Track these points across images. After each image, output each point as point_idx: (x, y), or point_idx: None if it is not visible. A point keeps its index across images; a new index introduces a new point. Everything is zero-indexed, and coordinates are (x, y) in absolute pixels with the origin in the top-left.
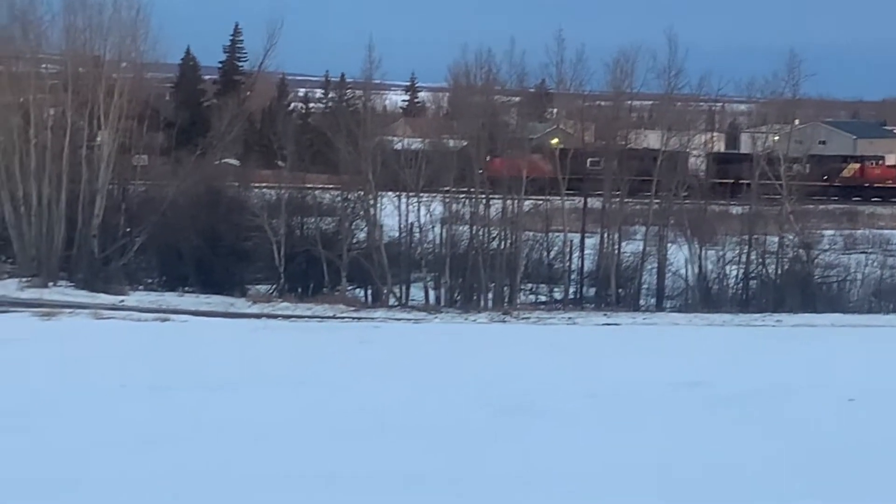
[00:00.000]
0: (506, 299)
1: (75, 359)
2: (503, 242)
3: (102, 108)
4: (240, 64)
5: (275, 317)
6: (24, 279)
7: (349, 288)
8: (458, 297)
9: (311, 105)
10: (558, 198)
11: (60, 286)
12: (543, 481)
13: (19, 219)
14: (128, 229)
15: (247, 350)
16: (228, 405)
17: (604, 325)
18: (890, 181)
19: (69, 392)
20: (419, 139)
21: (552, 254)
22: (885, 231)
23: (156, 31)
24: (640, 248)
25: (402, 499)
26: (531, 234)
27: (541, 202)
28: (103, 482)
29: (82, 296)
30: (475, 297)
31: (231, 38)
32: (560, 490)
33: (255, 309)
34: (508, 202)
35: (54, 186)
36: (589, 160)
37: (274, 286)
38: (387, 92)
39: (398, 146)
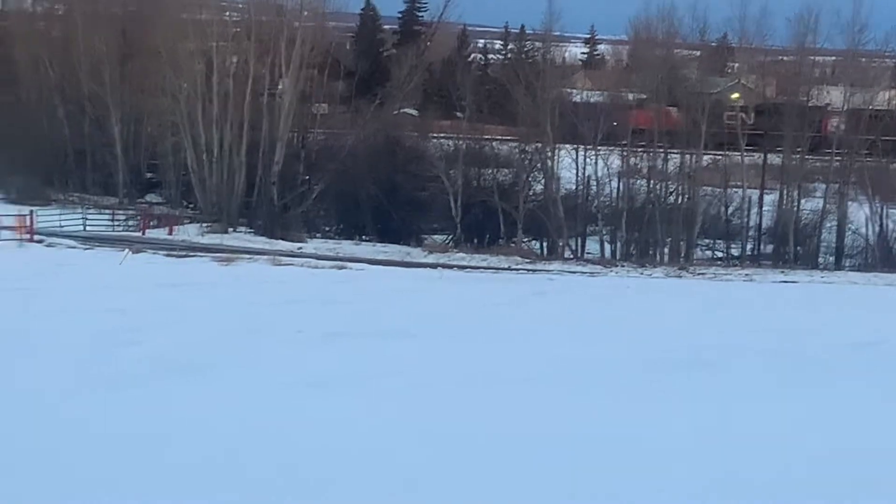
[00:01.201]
0: (682, 254)
1: (253, 304)
2: (681, 197)
3: (284, 57)
4: (420, 14)
5: (450, 267)
6: (205, 224)
7: (525, 240)
8: (634, 251)
9: (491, 56)
10: (737, 153)
11: (240, 232)
12: (711, 437)
13: (201, 165)
14: (307, 177)
15: (423, 299)
16: (403, 353)
17: (781, 282)
18: None
19: (246, 337)
20: (598, 92)
21: (730, 210)
22: None
23: None
24: (820, 205)
25: (572, 452)
26: (709, 189)
27: (720, 157)
28: (276, 427)
29: (261, 242)
30: (651, 252)
31: None
32: (728, 445)
33: (431, 259)
34: (687, 157)
35: (235, 134)
36: (769, 116)
37: (450, 236)
38: (566, 44)
39: (577, 99)
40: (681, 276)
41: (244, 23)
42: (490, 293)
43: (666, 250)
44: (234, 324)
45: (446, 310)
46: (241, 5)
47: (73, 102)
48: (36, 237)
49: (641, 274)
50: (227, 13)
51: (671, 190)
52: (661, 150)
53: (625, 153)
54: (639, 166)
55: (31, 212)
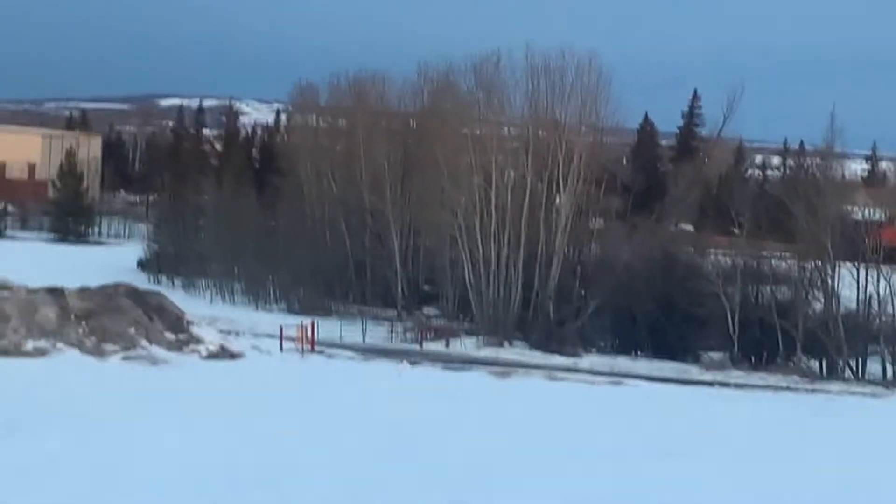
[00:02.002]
0: None
1: (528, 419)
2: None
3: (561, 172)
4: (697, 129)
5: (727, 385)
6: (481, 337)
7: (804, 359)
8: None
9: (769, 172)
10: None
11: (516, 346)
12: None
13: (478, 278)
14: (582, 292)
15: (699, 418)
16: (680, 473)
17: None
18: None
19: (521, 453)
20: (879, 209)
21: None
22: None
23: (616, 96)
24: None
25: None
26: None
27: None
28: None
29: (537, 356)
30: None
31: (689, 103)
32: None
33: (708, 376)
34: None
35: (513, 248)
36: None
37: (727, 354)
38: (847, 160)
39: (857, 216)
40: None
41: (522, 137)
42: (768, 414)
43: None
44: (511, 439)
45: (723, 430)
46: (519, 120)
47: (354, 215)
48: (317, 348)
49: None
50: (506, 128)
51: None
52: None
53: None
54: None
55: (313, 322)
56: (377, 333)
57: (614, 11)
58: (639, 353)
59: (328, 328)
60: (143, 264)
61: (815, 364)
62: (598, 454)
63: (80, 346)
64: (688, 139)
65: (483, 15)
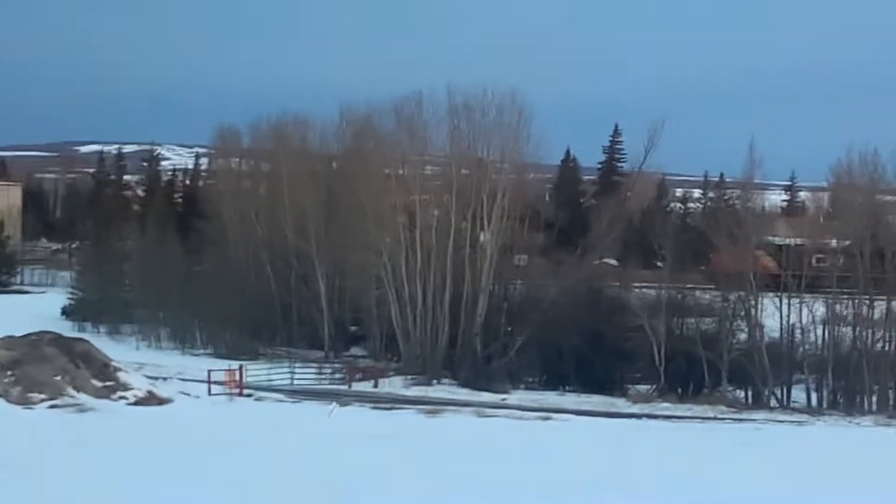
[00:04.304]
0: (891, 402)
1: (458, 456)
2: (888, 344)
3: (485, 210)
4: (619, 164)
5: (655, 417)
6: (409, 377)
7: (729, 389)
8: (841, 400)
9: (690, 205)
10: None
11: (444, 384)
12: None
13: (405, 318)
14: (509, 329)
15: (628, 451)
16: None
17: None
18: None
19: (451, 488)
20: (799, 239)
21: None
22: None
23: (537, 134)
24: None
25: None
26: None
27: None
28: None
29: (465, 393)
30: (858, 400)
31: (610, 138)
32: None
33: (636, 409)
34: (894, 303)
35: (438, 286)
36: None
37: (654, 386)
38: (766, 191)
39: (778, 245)
40: (890, 425)
41: (445, 176)
42: (695, 444)
43: (874, 398)
44: (439, 476)
45: (651, 462)
46: (441, 159)
47: (279, 258)
48: (245, 391)
49: (850, 423)
50: (428, 167)
51: (878, 337)
52: (867, 296)
53: (829, 300)
54: (844, 313)
55: (241, 366)
56: (306, 375)
57: (534, 49)
58: (566, 387)
59: (256, 371)
60: (67, 312)
61: (740, 394)
62: (530, 487)
63: (6, 396)
64: (610, 174)
65: (404, 58)
